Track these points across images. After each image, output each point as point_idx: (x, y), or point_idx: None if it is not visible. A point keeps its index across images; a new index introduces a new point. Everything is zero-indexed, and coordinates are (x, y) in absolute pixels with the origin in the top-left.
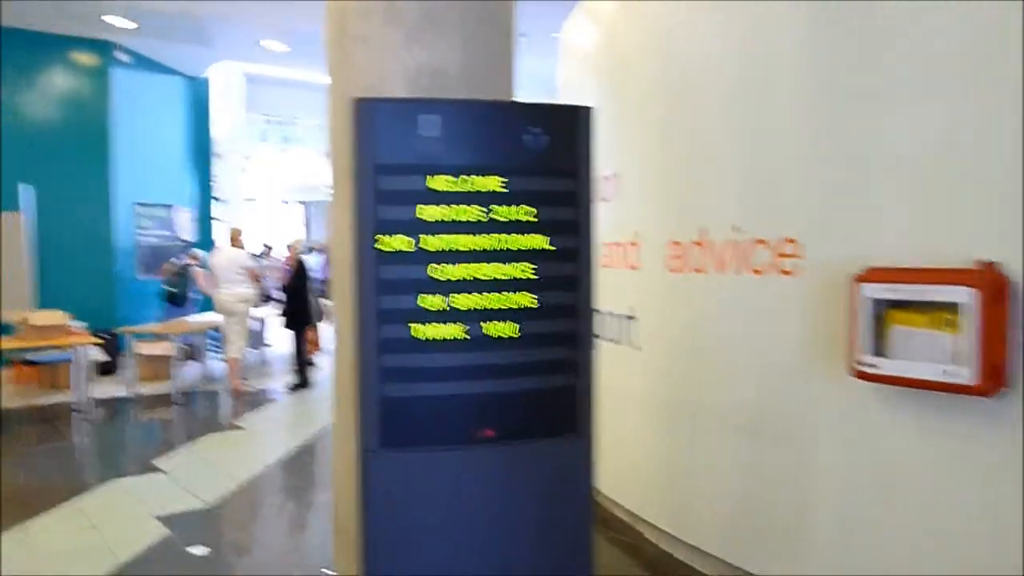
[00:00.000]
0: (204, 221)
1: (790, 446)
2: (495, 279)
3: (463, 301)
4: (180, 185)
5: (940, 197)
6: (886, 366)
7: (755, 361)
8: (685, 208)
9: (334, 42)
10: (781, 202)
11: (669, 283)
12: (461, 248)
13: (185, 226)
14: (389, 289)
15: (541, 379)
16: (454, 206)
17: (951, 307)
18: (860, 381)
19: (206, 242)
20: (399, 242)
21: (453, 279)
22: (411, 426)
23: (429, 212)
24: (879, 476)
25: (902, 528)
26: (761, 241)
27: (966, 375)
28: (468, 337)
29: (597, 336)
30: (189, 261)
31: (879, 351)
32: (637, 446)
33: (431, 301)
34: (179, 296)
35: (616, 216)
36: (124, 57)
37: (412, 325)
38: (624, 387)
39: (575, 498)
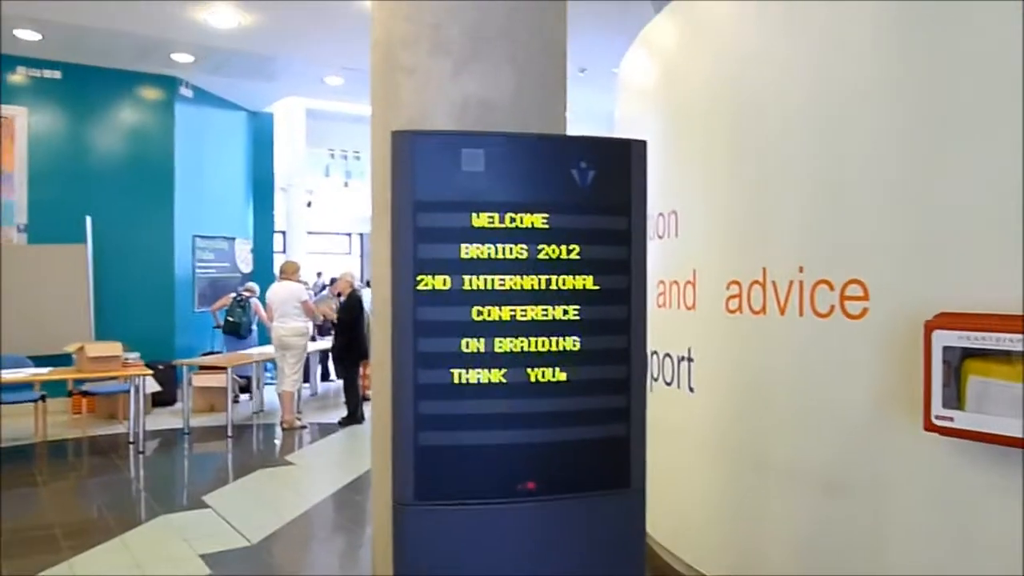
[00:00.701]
0: (266, 254)
1: (858, 501)
2: (541, 321)
3: (506, 345)
4: (242, 218)
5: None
6: (961, 419)
7: (819, 410)
8: (746, 247)
9: (379, 73)
10: (848, 241)
11: (727, 325)
12: (504, 289)
13: (245, 258)
14: (426, 331)
15: (590, 429)
16: (497, 244)
17: None
18: (933, 435)
19: (268, 275)
20: (438, 282)
21: (495, 321)
22: (448, 478)
23: (470, 251)
24: (955, 537)
25: None
26: (825, 282)
27: None
28: (511, 383)
29: (655, 379)
30: (245, 293)
31: (956, 403)
32: (693, 494)
33: (471, 344)
34: (239, 328)
35: (673, 254)
36: (188, 92)
37: (450, 370)
38: (679, 432)
39: (626, 557)
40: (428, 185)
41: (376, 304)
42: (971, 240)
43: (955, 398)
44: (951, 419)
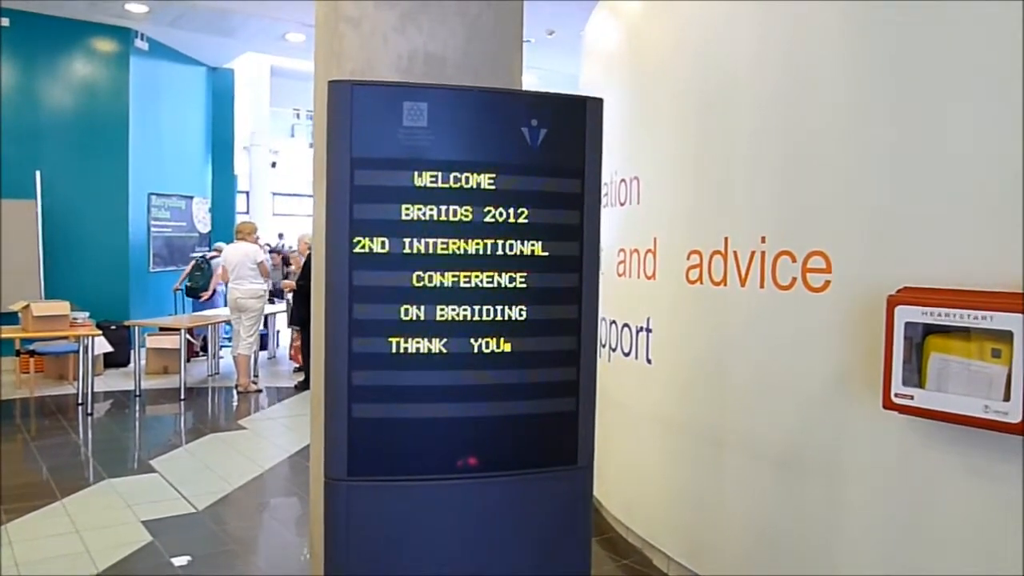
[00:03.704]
0: (227, 214)
1: (814, 479)
2: (486, 289)
3: (448, 313)
4: (200, 176)
5: (991, 211)
6: (921, 397)
7: (778, 385)
8: (708, 215)
9: (323, 24)
10: (812, 211)
11: (687, 295)
12: (447, 253)
13: (202, 218)
14: (362, 297)
15: (536, 403)
16: (440, 206)
17: (999, 335)
18: (893, 412)
19: (228, 235)
20: (376, 244)
21: (437, 287)
22: (383, 452)
23: (411, 212)
24: (912, 516)
25: (934, 572)
26: (787, 253)
27: (1011, 412)
28: (453, 353)
29: (613, 349)
30: (211, 255)
31: (916, 380)
32: (648, 466)
33: (411, 311)
34: (200, 290)
35: (634, 222)
36: (143, 45)
37: (388, 338)
38: (636, 403)
39: (572, 537)
40: (367, 140)
41: (315, 268)
42: (936, 214)
43: (916, 375)
44: (911, 397)
